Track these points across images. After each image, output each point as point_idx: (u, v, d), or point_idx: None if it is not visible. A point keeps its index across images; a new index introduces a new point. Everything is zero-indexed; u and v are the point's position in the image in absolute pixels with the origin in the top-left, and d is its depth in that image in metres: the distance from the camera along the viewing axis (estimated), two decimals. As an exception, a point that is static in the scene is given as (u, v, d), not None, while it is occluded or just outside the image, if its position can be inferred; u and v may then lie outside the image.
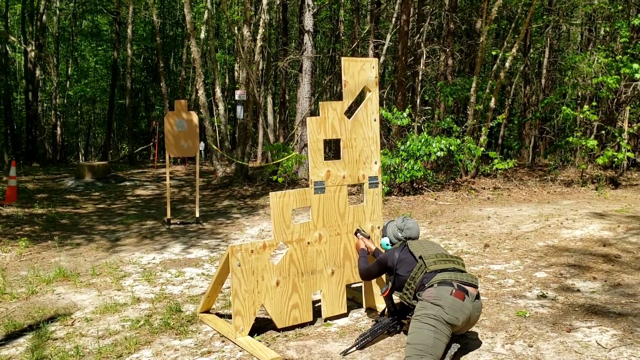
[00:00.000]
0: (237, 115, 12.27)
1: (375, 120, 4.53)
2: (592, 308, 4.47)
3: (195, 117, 8.42)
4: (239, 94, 12.02)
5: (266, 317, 4.30)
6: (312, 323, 4.28)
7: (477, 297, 3.59)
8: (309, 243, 4.21)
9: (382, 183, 10.16)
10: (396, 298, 4.09)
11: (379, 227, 4.57)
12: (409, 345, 3.38)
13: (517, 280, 5.29)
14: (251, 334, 4.03)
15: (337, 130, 4.34)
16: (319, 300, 4.39)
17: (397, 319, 3.97)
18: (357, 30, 16.26)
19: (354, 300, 4.77)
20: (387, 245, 4.20)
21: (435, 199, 10.36)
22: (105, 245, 7.26)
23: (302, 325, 4.22)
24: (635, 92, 11.82)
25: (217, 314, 4.56)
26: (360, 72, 4.43)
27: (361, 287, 4.60)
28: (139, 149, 25.83)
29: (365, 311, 4.57)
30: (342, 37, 19.33)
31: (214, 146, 12.24)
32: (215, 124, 15.48)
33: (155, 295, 5.12)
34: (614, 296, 4.75)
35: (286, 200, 4.09)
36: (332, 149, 12.45)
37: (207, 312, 4.56)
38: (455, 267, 3.73)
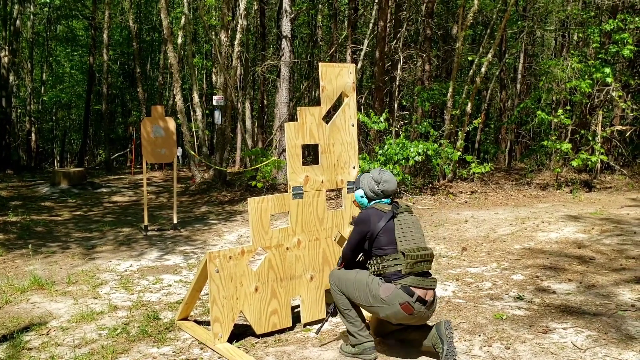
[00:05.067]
0: (215, 120, 12.22)
1: (353, 126, 4.55)
2: (568, 309, 4.54)
3: (172, 124, 8.36)
4: (216, 99, 11.96)
5: (245, 323, 4.28)
6: (291, 329, 4.27)
7: (434, 299, 3.63)
8: (287, 248, 4.21)
9: (361, 188, 10.23)
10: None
11: (357, 232, 4.58)
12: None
13: (494, 283, 5.35)
14: (230, 340, 4.01)
15: (315, 136, 4.35)
16: (299, 306, 4.38)
17: None
18: (335, 36, 16.33)
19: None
20: (362, 197, 3.85)
21: (414, 203, 10.42)
22: (82, 252, 7.16)
23: (281, 331, 4.21)
24: (608, 96, 12.05)
25: (196, 321, 4.52)
26: (338, 77, 4.45)
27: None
28: (116, 155, 25.54)
29: (345, 316, 4.57)
30: (320, 43, 19.39)
31: (191, 152, 12.16)
32: (193, 129, 15.39)
33: (133, 303, 5.06)
34: (589, 297, 4.83)
35: (264, 205, 4.09)
36: (311, 154, 12.46)
37: (186, 319, 4.52)
38: (425, 269, 3.63)
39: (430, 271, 3.70)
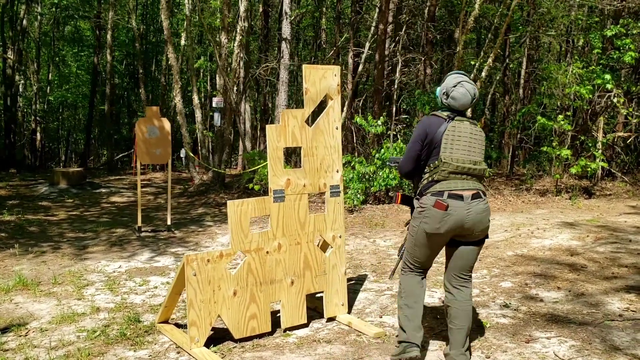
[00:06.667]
0: (215, 122, 12.21)
1: (337, 129, 4.50)
2: (554, 318, 4.46)
3: (167, 124, 8.34)
4: (216, 101, 11.95)
5: (226, 327, 4.23)
6: (270, 333, 4.22)
7: (475, 197, 3.38)
8: (268, 252, 4.16)
9: (357, 192, 10.16)
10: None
11: (340, 237, 4.53)
12: (404, 251, 3.69)
13: (482, 290, 5.28)
14: (207, 344, 3.97)
15: (298, 139, 4.30)
16: (280, 310, 4.33)
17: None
18: (337, 39, 16.30)
19: (316, 310, 4.71)
20: (438, 95, 3.61)
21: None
22: (72, 253, 7.14)
23: (260, 336, 4.16)
24: (609, 102, 11.94)
25: (176, 324, 4.48)
26: (322, 79, 4.40)
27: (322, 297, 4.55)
28: (120, 155, 25.59)
29: (327, 321, 4.52)
30: (324, 46, 19.36)
31: (190, 153, 12.15)
32: (197, 131, 15.38)
33: (116, 305, 5.03)
34: (577, 306, 4.75)
35: (244, 208, 4.04)
36: (299, 156, 12.38)
37: (166, 322, 4.48)
38: (463, 186, 3.40)
39: (476, 190, 3.42)
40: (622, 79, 12.57)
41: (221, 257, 3.95)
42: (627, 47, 10.88)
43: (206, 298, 3.90)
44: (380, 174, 10.28)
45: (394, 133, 11.66)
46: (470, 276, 3.62)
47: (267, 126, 4.20)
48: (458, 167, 3.36)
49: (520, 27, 15.42)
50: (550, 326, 4.30)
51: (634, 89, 12.20)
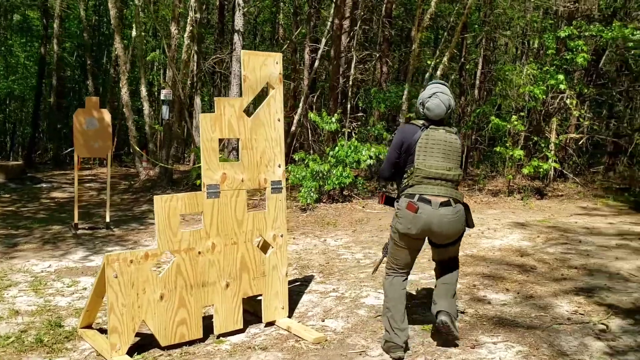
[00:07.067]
0: (163, 115, 11.74)
1: (279, 120, 4.22)
2: (501, 321, 4.29)
3: (107, 115, 7.90)
4: (164, 93, 11.49)
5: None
6: (202, 340, 3.91)
7: (445, 204, 3.52)
8: (200, 253, 3.85)
9: (311, 190, 9.89)
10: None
11: (282, 236, 4.25)
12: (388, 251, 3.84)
13: (429, 292, 5.08)
14: (132, 352, 3.64)
15: (235, 129, 4.00)
16: (213, 315, 4.02)
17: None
18: (294, 34, 16.02)
19: (255, 314, 4.42)
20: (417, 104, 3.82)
21: (363, 207, 10.16)
22: (0, 251, 6.64)
23: (190, 343, 3.85)
24: (562, 104, 12.02)
25: (100, 330, 4.12)
26: (263, 67, 4.11)
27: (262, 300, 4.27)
28: (68, 150, 24.63)
29: (265, 326, 4.23)
30: (282, 41, 19.03)
31: (136, 147, 11.65)
32: (147, 124, 14.82)
33: (38, 308, 4.62)
34: (525, 308, 4.60)
35: (173, 204, 3.72)
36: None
37: (90, 327, 4.12)
38: (436, 192, 3.54)
39: (447, 198, 3.55)
40: (575, 81, 12.69)
41: (146, 257, 3.62)
42: (579, 48, 10.96)
43: (129, 302, 3.56)
44: (334, 172, 10.04)
45: (349, 131, 11.44)
46: (455, 262, 3.90)
47: (201, 115, 3.89)
48: (431, 172, 3.54)
49: (477, 27, 15.46)
50: (498, 330, 4.12)
51: (586, 91, 12.33)
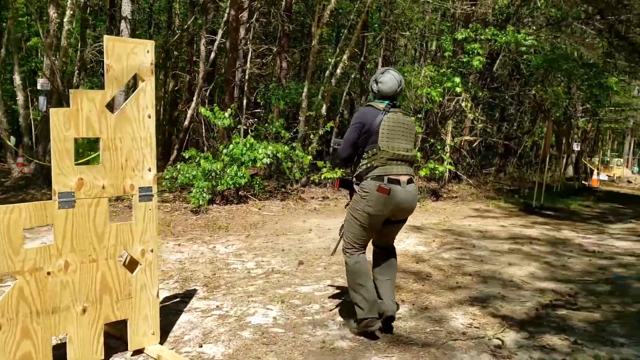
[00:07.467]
0: (40, 106, 10.63)
1: (149, 117, 3.66)
2: (396, 339, 4.00)
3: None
4: (41, 82, 10.39)
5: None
6: (52, 376, 3.28)
7: (409, 182, 3.80)
8: (49, 273, 3.21)
9: (202, 190, 9.28)
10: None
11: (152, 251, 3.70)
12: (345, 232, 4.03)
13: (322, 305, 4.73)
14: (-44, 398, 2.95)
15: (96, 127, 3.40)
16: (67, 345, 3.40)
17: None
18: (191, 25, 15.23)
19: (122, 338, 3.83)
20: (370, 87, 4.06)
21: (260, 209, 9.70)
22: None
23: (36, 381, 3.21)
24: (458, 106, 12.21)
25: None
26: (131, 55, 3.54)
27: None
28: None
29: (132, 355, 3.67)
30: (177, 31, 18.11)
31: (7, 141, 10.46)
32: (31, 116, 13.46)
33: None
34: (420, 322, 4.36)
35: (15, 216, 3.07)
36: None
37: None
38: (398, 171, 3.78)
39: (409, 176, 3.82)
40: (470, 84, 12.95)
41: (-25, 282, 2.95)
42: (475, 51, 11.13)
43: (-49, 338, 2.88)
44: (228, 171, 9.50)
45: (245, 127, 10.93)
46: (394, 248, 4.23)
47: (52, 110, 3.25)
48: (394, 154, 3.76)
49: (377, 27, 15.45)
50: (392, 350, 3.82)
51: (480, 94, 12.60)
